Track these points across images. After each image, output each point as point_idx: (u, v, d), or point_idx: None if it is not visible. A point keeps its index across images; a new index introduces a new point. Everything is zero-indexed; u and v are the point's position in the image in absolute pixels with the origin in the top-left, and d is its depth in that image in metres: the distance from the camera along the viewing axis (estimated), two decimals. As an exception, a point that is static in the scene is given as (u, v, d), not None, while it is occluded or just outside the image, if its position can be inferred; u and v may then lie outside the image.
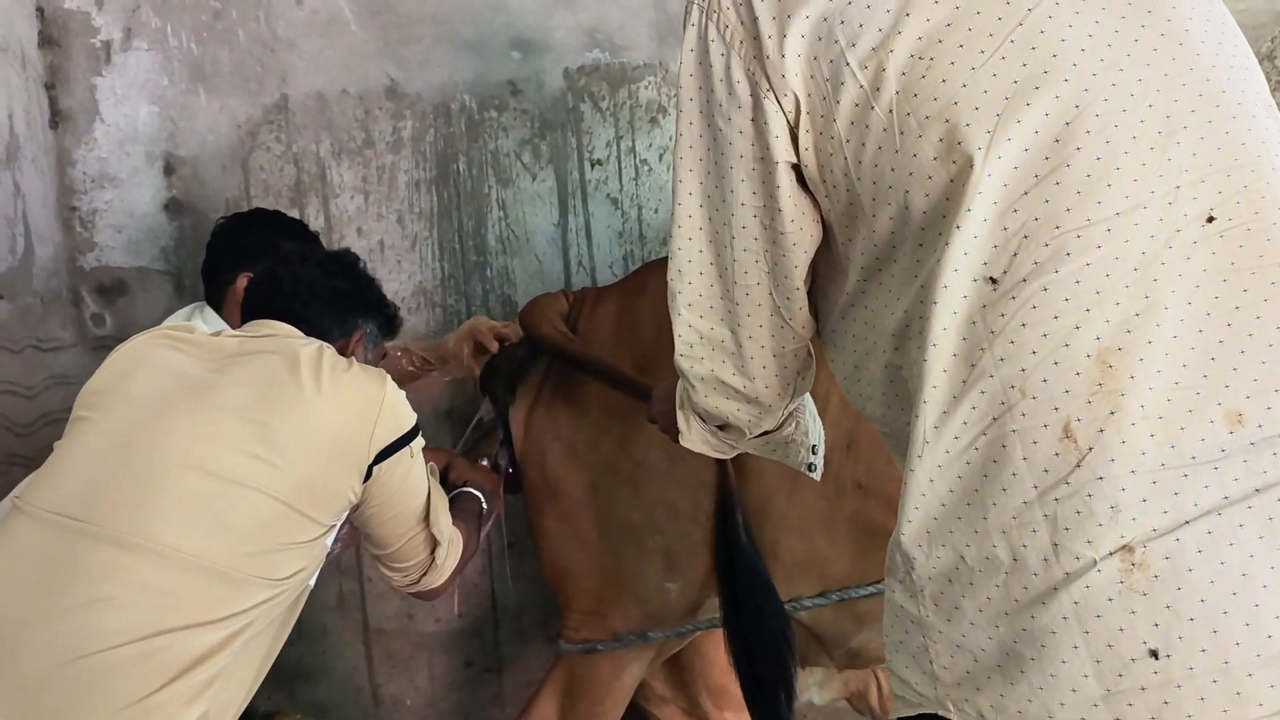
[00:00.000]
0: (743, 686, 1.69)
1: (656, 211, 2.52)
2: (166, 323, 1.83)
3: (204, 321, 1.84)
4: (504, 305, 2.49)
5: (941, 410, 0.75)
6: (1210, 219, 0.73)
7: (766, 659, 1.64)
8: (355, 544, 1.51)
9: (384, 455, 1.28)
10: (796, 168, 0.85)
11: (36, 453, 1.96)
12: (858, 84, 0.78)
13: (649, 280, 1.83)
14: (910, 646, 0.79)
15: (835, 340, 0.92)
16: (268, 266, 1.51)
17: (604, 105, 2.45)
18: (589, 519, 1.78)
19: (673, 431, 1.19)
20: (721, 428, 1.08)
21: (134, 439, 1.18)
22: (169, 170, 2.35)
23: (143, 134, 2.34)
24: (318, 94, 2.37)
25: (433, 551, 1.45)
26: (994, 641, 0.72)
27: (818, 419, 1.21)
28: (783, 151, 0.84)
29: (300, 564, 1.21)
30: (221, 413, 1.20)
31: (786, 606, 1.77)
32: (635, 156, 2.49)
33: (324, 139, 2.39)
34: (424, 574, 1.46)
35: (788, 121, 0.83)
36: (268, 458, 1.17)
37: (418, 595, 1.55)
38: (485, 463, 1.81)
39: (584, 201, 2.48)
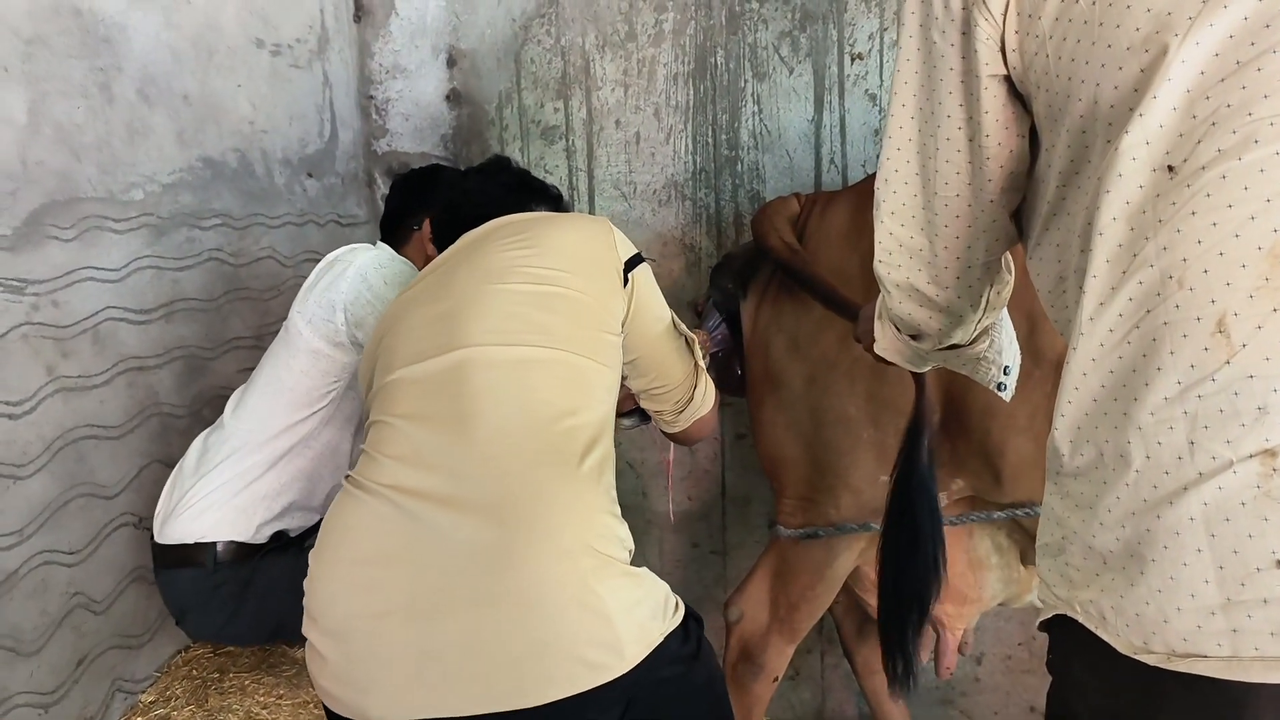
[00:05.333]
0: (880, 599, 1.68)
1: (920, 109, 2.41)
2: (337, 253, 1.81)
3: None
4: (752, 201, 2.49)
5: (1099, 301, 0.71)
6: None
7: (912, 579, 1.61)
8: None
9: (630, 265, 1.41)
10: (1007, 79, 0.85)
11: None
12: None
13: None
14: (1053, 548, 0.77)
15: (1039, 254, 0.89)
16: (441, 201, 1.65)
17: (869, -6, 2.35)
18: (806, 410, 1.80)
19: (870, 341, 1.21)
20: (915, 337, 1.10)
21: (444, 293, 1.35)
22: (451, 63, 2.54)
23: (430, 27, 2.53)
24: (586, -13, 2.45)
25: (693, 374, 1.56)
26: (1120, 543, 0.68)
27: (1015, 341, 1.19)
28: (987, 63, 0.84)
29: (612, 355, 1.34)
30: (499, 253, 1.36)
31: (1021, 512, 1.74)
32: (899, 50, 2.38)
33: (590, 32, 2.48)
34: (691, 392, 1.56)
35: (998, 31, 0.83)
36: (553, 265, 1.33)
37: (683, 438, 1.64)
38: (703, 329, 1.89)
39: (840, 97, 2.41)
